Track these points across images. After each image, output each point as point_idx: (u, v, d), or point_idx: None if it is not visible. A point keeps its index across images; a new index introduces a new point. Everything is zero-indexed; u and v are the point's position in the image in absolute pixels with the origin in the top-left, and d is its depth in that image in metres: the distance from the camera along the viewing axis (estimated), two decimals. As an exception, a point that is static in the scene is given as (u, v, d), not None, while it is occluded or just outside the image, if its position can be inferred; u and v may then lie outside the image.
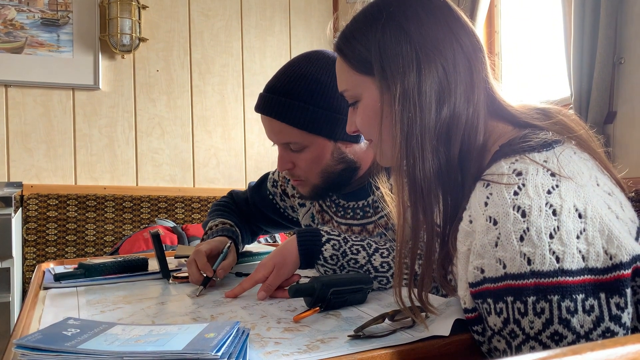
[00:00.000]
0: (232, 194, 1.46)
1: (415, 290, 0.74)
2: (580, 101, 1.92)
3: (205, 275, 1.06)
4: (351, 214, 1.19)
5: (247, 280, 0.99)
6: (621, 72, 1.88)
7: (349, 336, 0.71)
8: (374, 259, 1.00)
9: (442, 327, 0.71)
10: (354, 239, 1.02)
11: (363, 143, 1.17)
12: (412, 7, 0.74)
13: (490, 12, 2.58)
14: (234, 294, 0.98)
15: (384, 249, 1.01)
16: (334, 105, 1.09)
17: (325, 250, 1.01)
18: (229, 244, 1.17)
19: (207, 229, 1.30)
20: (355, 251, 1.00)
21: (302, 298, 0.90)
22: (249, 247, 1.51)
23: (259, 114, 1.16)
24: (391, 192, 0.84)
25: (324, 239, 1.01)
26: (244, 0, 3.26)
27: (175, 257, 1.44)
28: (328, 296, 0.85)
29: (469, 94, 0.73)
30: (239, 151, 3.23)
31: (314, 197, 1.21)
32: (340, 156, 1.13)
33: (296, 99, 1.09)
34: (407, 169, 0.72)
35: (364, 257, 1.00)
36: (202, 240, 1.28)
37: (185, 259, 1.24)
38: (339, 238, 1.02)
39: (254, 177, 3.16)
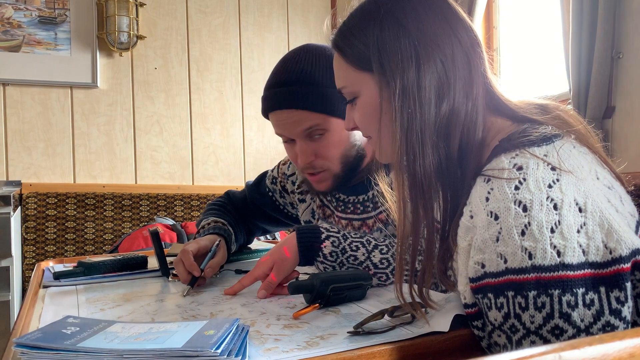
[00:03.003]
0: (229, 194, 1.45)
1: (416, 286, 0.74)
2: (578, 96, 1.92)
3: (192, 274, 1.05)
4: (351, 208, 1.20)
5: (246, 277, 0.99)
6: (620, 67, 1.88)
7: (348, 332, 0.71)
8: (374, 256, 1.00)
9: (441, 322, 0.71)
10: (353, 236, 1.02)
11: None
12: (410, 3, 0.74)
13: (488, 7, 2.58)
14: (234, 291, 0.98)
15: (383, 245, 1.01)
16: None
17: (325, 247, 1.01)
18: (217, 242, 1.17)
19: (199, 228, 1.30)
20: (354, 248, 1.00)
21: (301, 295, 0.90)
22: (253, 246, 1.51)
23: (260, 115, 1.15)
24: (391, 189, 0.84)
25: (323, 236, 1.01)
26: (241, -3, 3.26)
27: (168, 256, 1.44)
28: (327, 293, 0.85)
29: (467, 89, 0.73)
30: (237, 148, 3.23)
31: (333, 189, 1.19)
32: (353, 137, 1.14)
33: (309, 84, 1.09)
34: (407, 165, 0.72)
35: (363, 254, 1.00)
36: (194, 239, 1.27)
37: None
38: (338, 235, 1.02)
39: (253, 174, 3.16)
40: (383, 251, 1.00)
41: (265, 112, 1.16)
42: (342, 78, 0.81)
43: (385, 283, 1.00)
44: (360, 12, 0.78)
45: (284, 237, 1.03)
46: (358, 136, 1.15)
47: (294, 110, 1.10)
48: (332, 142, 1.12)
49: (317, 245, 1.00)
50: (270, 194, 1.39)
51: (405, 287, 0.75)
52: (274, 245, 1.58)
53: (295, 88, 1.09)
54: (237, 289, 0.99)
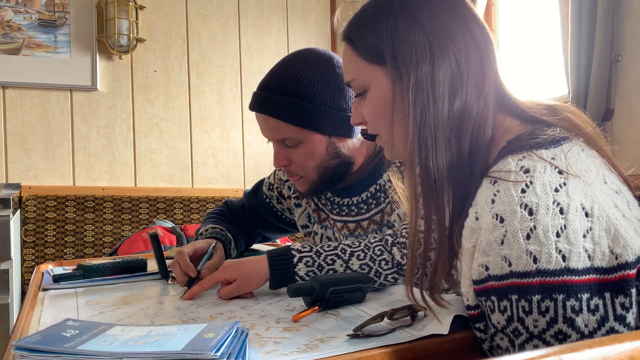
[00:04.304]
0: (227, 203, 1.46)
1: (427, 284, 0.73)
2: (577, 99, 1.93)
3: (189, 275, 1.05)
4: (346, 210, 1.20)
5: (208, 280, 1.00)
6: (618, 70, 1.89)
7: (348, 335, 0.71)
8: (352, 264, 0.99)
9: (440, 325, 0.71)
10: (327, 249, 1.01)
11: (356, 138, 1.18)
12: None
13: (487, 10, 2.59)
14: (193, 294, 0.99)
15: (358, 251, 1.00)
16: (328, 101, 1.10)
17: (299, 269, 0.99)
18: (214, 244, 1.17)
19: (197, 235, 1.31)
20: (330, 262, 0.99)
21: (300, 297, 0.90)
22: (254, 246, 1.52)
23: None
24: (402, 184, 0.84)
25: (295, 259, 0.99)
26: (241, 0, 3.26)
27: (167, 258, 1.44)
28: (327, 295, 0.85)
29: (480, 86, 0.72)
30: (237, 151, 3.23)
31: (311, 193, 1.21)
32: (334, 151, 1.14)
33: (290, 96, 1.09)
34: (419, 160, 0.71)
35: (341, 265, 0.99)
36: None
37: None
38: (310, 253, 1.00)
39: (253, 177, 3.17)
40: (360, 257, 0.99)
41: (251, 109, 1.17)
42: (351, 71, 0.80)
43: (375, 286, 1.00)
44: (374, 4, 0.77)
45: (256, 258, 1.01)
46: (343, 148, 1.15)
47: (270, 118, 1.11)
48: (306, 154, 1.13)
49: (291, 270, 0.99)
50: (267, 200, 1.39)
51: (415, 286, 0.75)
52: (275, 248, 1.58)
53: (277, 97, 1.10)
54: (197, 291, 0.99)
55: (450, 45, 0.71)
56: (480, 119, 0.72)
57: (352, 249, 1.00)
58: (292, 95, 1.09)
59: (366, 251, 1.00)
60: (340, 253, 1.00)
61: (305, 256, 1.00)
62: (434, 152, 0.70)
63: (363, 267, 0.98)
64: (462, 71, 0.71)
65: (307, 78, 1.10)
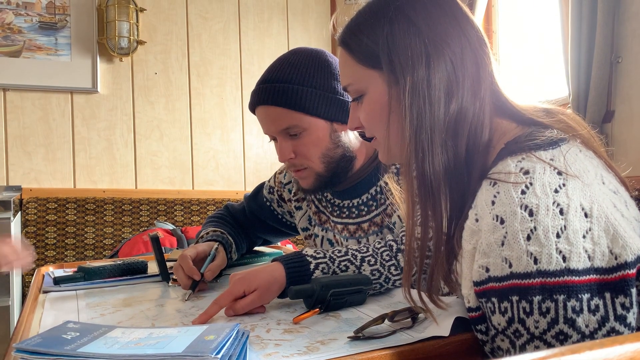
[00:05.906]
0: (228, 207, 1.46)
1: (424, 286, 0.73)
2: (578, 100, 1.93)
3: (193, 278, 1.05)
4: (347, 212, 1.20)
5: (224, 297, 0.89)
6: (619, 71, 1.89)
7: (348, 337, 0.71)
8: (364, 270, 0.98)
9: (441, 327, 0.71)
10: (338, 254, 1.00)
11: (354, 136, 1.18)
12: (420, 1, 0.74)
13: (487, 12, 2.59)
14: (209, 316, 0.86)
15: (369, 256, 1.00)
16: (324, 84, 1.12)
17: (316, 277, 0.97)
18: (216, 246, 1.17)
19: (198, 238, 1.31)
20: (344, 268, 0.99)
21: (301, 299, 0.90)
22: (256, 248, 1.52)
23: (255, 116, 1.16)
24: (400, 187, 0.84)
25: (312, 266, 0.97)
26: (241, 3, 3.26)
27: (168, 261, 1.44)
28: (328, 297, 0.85)
29: (475, 89, 0.72)
30: (237, 153, 3.23)
31: (315, 188, 1.19)
32: (337, 139, 1.14)
33: (287, 82, 1.11)
34: (416, 163, 0.71)
35: (354, 271, 0.99)
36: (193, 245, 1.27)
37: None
38: (325, 259, 0.98)
39: (253, 179, 3.17)
40: (371, 262, 0.99)
41: (251, 108, 1.18)
42: (348, 75, 0.80)
43: (381, 290, 1.00)
44: (369, 9, 0.78)
45: (269, 265, 0.96)
46: (345, 138, 1.15)
47: (273, 107, 1.12)
48: (310, 141, 1.13)
49: (307, 279, 0.95)
50: (268, 204, 1.39)
51: (412, 288, 0.75)
52: (276, 250, 1.58)
53: (274, 85, 1.11)
54: (214, 313, 0.87)
55: (446, 48, 0.72)
56: (476, 121, 0.72)
57: (362, 255, 1.00)
58: (289, 82, 1.11)
59: (376, 257, 1.00)
60: (352, 259, 1.00)
61: (321, 263, 0.98)
62: (430, 155, 0.70)
63: (374, 272, 0.98)
64: (458, 74, 0.71)
65: (302, 65, 1.12)
